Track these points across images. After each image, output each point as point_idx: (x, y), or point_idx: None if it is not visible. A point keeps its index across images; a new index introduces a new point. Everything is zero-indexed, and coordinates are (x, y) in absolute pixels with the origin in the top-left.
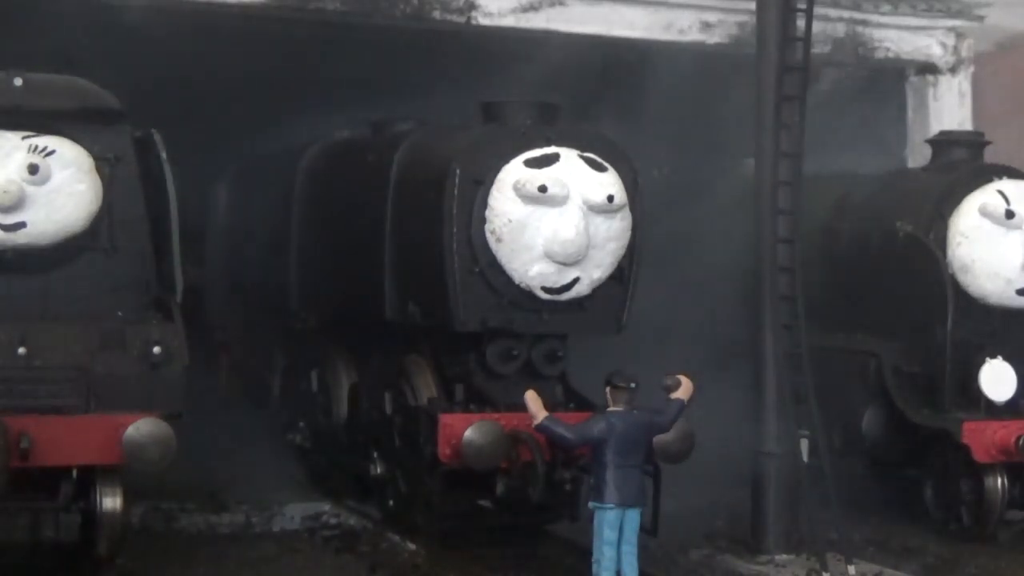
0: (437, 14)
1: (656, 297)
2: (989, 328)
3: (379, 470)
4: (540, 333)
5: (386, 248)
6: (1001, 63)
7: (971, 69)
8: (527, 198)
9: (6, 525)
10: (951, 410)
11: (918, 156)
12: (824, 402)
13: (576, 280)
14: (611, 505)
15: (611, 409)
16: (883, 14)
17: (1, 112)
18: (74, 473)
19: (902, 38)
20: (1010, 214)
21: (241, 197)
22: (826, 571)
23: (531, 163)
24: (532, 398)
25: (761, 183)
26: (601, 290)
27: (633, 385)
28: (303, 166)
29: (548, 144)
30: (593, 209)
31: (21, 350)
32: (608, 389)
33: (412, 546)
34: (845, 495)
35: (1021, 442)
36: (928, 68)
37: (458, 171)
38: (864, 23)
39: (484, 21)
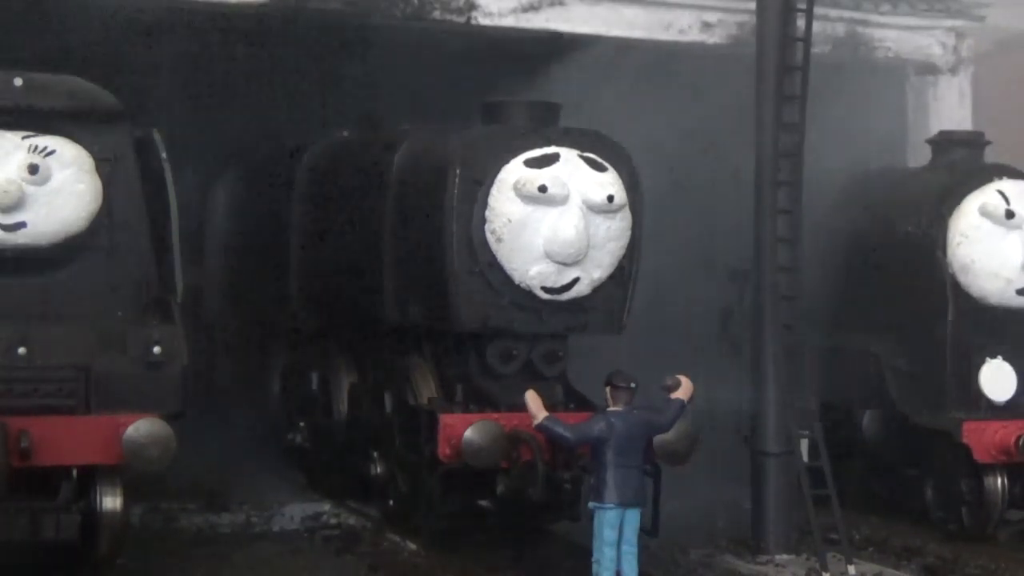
0: (437, 14)
1: None
2: (989, 328)
3: (379, 470)
4: (540, 333)
5: (386, 248)
6: (1001, 63)
7: (971, 69)
8: (527, 198)
9: (6, 525)
10: (951, 410)
11: (918, 156)
12: (824, 402)
13: (576, 280)
14: (611, 505)
15: (611, 409)
16: (883, 14)
17: (1, 112)
18: (74, 473)
19: (902, 38)
20: (1010, 214)
21: (241, 197)
22: (826, 571)
23: (531, 163)
24: (532, 398)
25: (761, 183)
26: (601, 290)
27: (633, 385)
28: (303, 166)
29: (548, 144)
30: (593, 209)
31: (21, 350)
32: (608, 389)
33: (412, 546)
34: (845, 495)
35: (1021, 442)
36: (928, 68)
37: (458, 171)
38: (864, 23)
39: (484, 21)
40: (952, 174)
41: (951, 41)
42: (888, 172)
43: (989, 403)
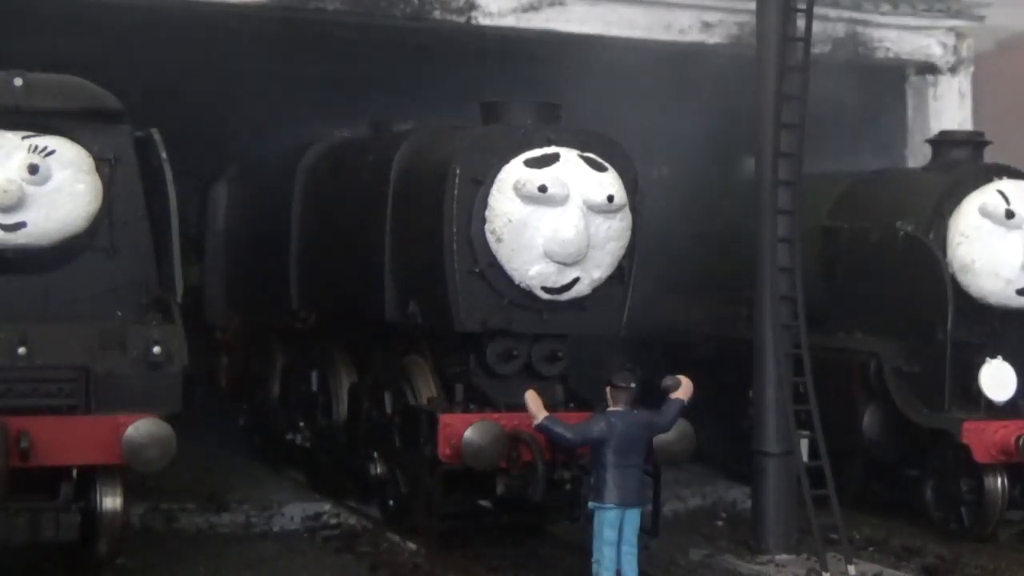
0: (437, 14)
1: None
2: (989, 328)
3: (379, 470)
4: (540, 333)
5: (386, 248)
6: (1001, 63)
7: (971, 69)
8: (527, 198)
9: (6, 525)
10: (951, 410)
11: (918, 156)
12: (824, 402)
13: (576, 280)
14: (611, 505)
15: (611, 409)
16: (883, 14)
17: (1, 112)
18: (74, 473)
19: (902, 38)
20: (1010, 214)
21: (241, 197)
22: (826, 571)
23: (531, 163)
24: (532, 398)
25: (761, 183)
26: (601, 290)
27: (633, 385)
28: (303, 166)
29: (548, 144)
30: (593, 209)
31: (21, 350)
32: (608, 389)
33: (412, 546)
34: (845, 495)
35: (1021, 442)
36: (928, 68)
37: (458, 171)
38: (864, 23)
39: (484, 21)
40: (952, 174)
41: (951, 41)
42: (888, 172)
43: (989, 403)
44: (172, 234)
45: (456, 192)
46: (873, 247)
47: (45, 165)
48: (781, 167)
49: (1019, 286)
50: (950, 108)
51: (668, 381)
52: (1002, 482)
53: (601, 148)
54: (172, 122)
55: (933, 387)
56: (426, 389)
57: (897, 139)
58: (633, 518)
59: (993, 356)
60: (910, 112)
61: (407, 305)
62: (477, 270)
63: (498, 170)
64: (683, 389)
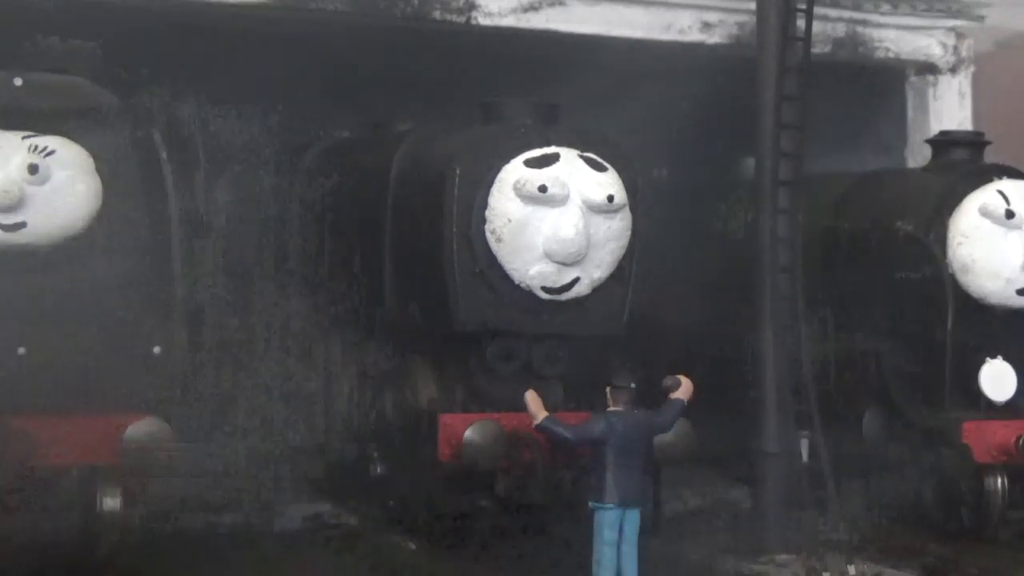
0: (437, 14)
1: None
2: (989, 328)
3: (379, 470)
4: (540, 333)
5: (386, 248)
6: (1001, 63)
7: (971, 69)
8: (527, 198)
9: (6, 525)
10: (951, 410)
11: (918, 156)
12: (824, 402)
13: (576, 280)
14: (611, 505)
15: (611, 409)
16: (883, 14)
17: (1, 112)
18: (74, 473)
19: (902, 38)
20: (1010, 214)
21: (241, 197)
22: (826, 571)
23: (531, 163)
24: (532, 398)
25: (761, 183)
26: (601, 290)
27: (633, 385)
28: (303, 167)
29: (548, 144)
30: (593, 209)
31: (21, 350)
32: (608, 389)
33: (412, 546)
34: (845, 495)
35: (1021, 442)
36: (928, 68)
37: (458, 171)
38: (864, 23)
39: (484, 21)
40: (952, 174)
41: (951, 41)
42: (888, 172)
43: (989, 403)
44: (172, 234)
45: (456, 192)
46: (873, 247)
47: (45, 165)
48: (781, 167)
49: (1019, 286)
50: (950, 108)
51: (668, 381)
52: (1002, 482)
53: (601, 148)
54: (172, 122)
55: (933, 387)
56: (426, 389)
57: (897, 139)
58: (633, 518)
59: (993, 356)
60: (910, 112)
61: (407, 305)
62: (477, 270)
63: (498, 170)
64: (683, 389)
